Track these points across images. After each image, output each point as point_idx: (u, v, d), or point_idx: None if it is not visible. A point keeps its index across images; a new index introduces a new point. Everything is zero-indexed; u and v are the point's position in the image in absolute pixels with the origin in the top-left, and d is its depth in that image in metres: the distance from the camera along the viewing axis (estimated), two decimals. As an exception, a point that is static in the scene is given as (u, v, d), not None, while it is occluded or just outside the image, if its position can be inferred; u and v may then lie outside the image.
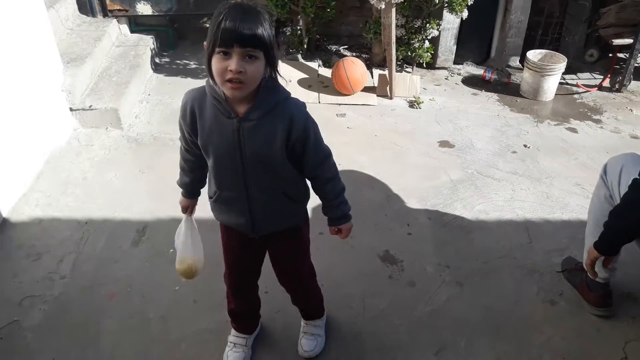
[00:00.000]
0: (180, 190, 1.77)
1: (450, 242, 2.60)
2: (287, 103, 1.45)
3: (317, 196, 1.69)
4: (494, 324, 2.18)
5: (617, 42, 4.01)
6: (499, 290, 2.34)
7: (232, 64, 1.28)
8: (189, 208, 1.80)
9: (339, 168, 2.98)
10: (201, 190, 1.77)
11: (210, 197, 1.66)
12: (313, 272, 1.97)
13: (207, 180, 1.69)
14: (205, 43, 1.34)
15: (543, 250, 2.56)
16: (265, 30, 1.30)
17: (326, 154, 1.58)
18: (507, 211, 2.81)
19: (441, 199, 2.89)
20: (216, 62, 1.31)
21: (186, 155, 1.64)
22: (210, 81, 1.41)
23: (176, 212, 2.63)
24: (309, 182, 1.66)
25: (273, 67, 1.39)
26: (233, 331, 2.03)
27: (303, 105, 1.49)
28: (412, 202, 2.86)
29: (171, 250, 2.43)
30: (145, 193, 2.81)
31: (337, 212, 1.67)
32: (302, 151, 1.50)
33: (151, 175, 2.96)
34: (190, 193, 1.76)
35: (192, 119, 1.47)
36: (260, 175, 1.51)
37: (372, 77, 4.12)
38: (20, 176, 2.75)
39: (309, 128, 1.47)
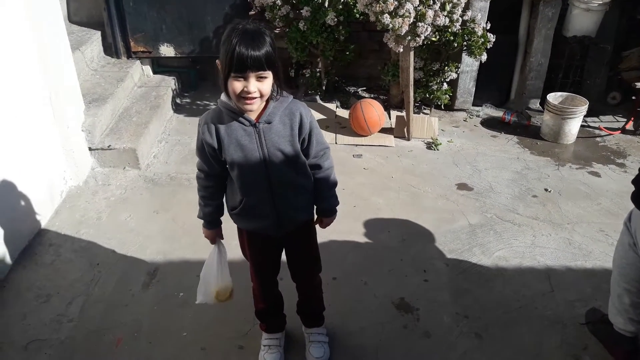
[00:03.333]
0: (202, 222, 1.88)
1: (469, 290, 2.51)
2: (293, 103, 1.68)
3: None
4: (514, 380, 2.07)
5: (640, 85, 3.95)
6: (519, 342, 2.24)
7: (248, 86, 1.50)
8: (216, 238, 1.92)
9: (355, 209, 2.98)
10: (221, 219, 1.91)
11: (233, 209, 1.80)
12: (320, 267, 2.08)
13: (226, 196, 1.84)
14: (218, 62, 1.53)
15: (566, 300, 2.45)
16: (271, 52, 1.51)
17: (326, 146, 1.81)
18: (528, 258, 2.72)
19: (459, 244, 2.81)
20: (233, 84, 1.51)
21: (206, 182, 1.77)
22: (224, 97, 1.61)
23: (188, 253, 2.65)
24: None
25: (279, 79, 1.60)
26: (265, 334, 2.13)
27: (305, 105, 1.73)
28: (429, 247, 2.79)
29: (181, 294, 2.41)
30: (159, 234, 2.80)
31: (328, 203, 1.89)
32: (308, 142, 1.73)
33: (166, 216, 2.95)
34: (213, 223, 1.88)
35: (216, 134, 1.63)
36: (282, 171, 1.69)
37: (390, 119, 4.12)
38: (36, 214, 2.77)
39: (313, 122, 1.72)
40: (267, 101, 1.63)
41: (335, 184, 1.88)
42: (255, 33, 1.49)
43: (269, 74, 1.53)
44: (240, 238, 1.94)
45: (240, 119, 1.62)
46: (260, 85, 1.52)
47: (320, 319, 2.18)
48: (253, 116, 1.63)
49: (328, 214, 1.91)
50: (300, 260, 2.00)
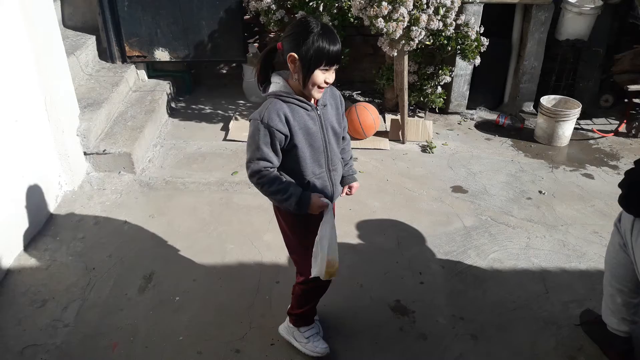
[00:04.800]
0: (298, 198, 1.78)
1: (464, 292, 2.52)
2: (332, 88, 1.87)
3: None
4: (509, 381, 2.08)
5: (633, 88, 3.98)
6: (515, 344, 2.25)
7: (329, 78, 1.71)
8: (327, 203, 1.85)
9: (350, 212, 3.00)
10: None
11: (287, 208, 1.84)
12: None
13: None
14: (296, 54, 1.66)
15: (560, 302, 2.47)
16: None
17: (347, 123, 2.01)
18: (522, 260, 2.73)
19: (454, 246, 2.82)
20: (318, 76, 1.68)
21: (275, 173, 1.77)
22: (280, 87, 1.74)
23: (184, 258, 2.65)
24: None
25: None
26: (305, 329, 2.14)
27: None
28: (425, 249, 2.80)
29: (177, 298, 2.41)
30: (154, 238, 2.80)
31: (351, 169, 2.05)
32: (342, 119, 1.93)
33: (161, 220, 2.95)
34: (308, 193, 1.82)
35: (287, 122, 1.72)
36: (334, 147, 1.87)
37: (385, 122, 4.13)
38: (31, 220, 2.76)
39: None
40: None
41: (352, 153, 2.09)
42: (333, 32, 1.68)
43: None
44: (294, 228, 1.94)
45: (304, 104, 1.76)
46: (333, 75, 1.73)
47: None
48: (312, 101, 1.79)
49: (354, 179, 2.05)
50: None
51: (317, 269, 1.84)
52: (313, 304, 2.14)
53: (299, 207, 1.78)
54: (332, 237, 1.82)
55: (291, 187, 1.78)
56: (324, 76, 1.69)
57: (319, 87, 1.71)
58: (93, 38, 4.17)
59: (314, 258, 1.85)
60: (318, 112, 1.79)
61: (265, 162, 1.73)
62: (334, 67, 1.70)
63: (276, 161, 1.76)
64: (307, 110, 1.76)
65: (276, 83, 1.75)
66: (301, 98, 1.75)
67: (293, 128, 1.73)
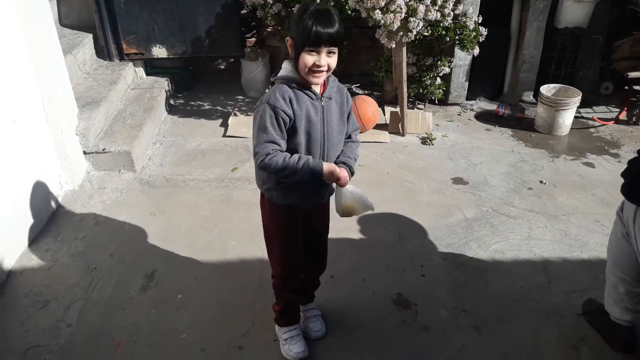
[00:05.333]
0: (312, 169, 1.74)
1: (466, 284, 2.52)
2: (340, 84, 1.87)
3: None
4: (512, 372, 2.08)
5: (633, 75, 3.95)
6: (517, 334, 2.25)
7: (320, 60, 1.66)
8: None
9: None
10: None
11: (280, 183, 1.83)
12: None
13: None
14: (288, 39, 1.70)
15: (562, 292, 2.47)
16: (340, 29, 1.66)
17: (357, 125, 1.98)
18: (524, 250, 2.73)
19: (456, 238, 2.82)
20: (305, 58, 1.66)
21: (282, 154, 1.73)
22: (288, 72, 1.74)
23: (185, 255, 2.65)
24: None
25: (340, 55, 1.74)
26: (284, 328, 2.16)
27: None
28: (426, 242, 2.79)
29: (179, 296, 2.41)
30: (156, 236, 2.80)
31: (346, 158, 1.90)
32: (347, 119, 1.89)
33: (162, 218, 2.95)
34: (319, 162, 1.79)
35: (291, 105, 1.72)
36: (333, 143, 1.83)
37: (384, 115, 4.12)
38: (32, 220, 2.76)
39: (351, 103, 1.92)
40: (327, 78, 1.79)
41: (358, 157, 1.96)
42: (328, 13, 1.66)
43: (336, 50, 1.69)
44: (273, 218, 1.95)
45: (309, 92, 1.75)
46: (329, 59, 1.68)
47: (314, 294, 2.29)
48: (317, 91, 1.77)
49: (349, 167, 1.86)
50: (319, 234, 2.10)
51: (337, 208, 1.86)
52: (290, 302, 2.14)
53: (313, 171, 1.73)
54: (354, 193, 1.82)
55: (301, 157, 1.74)
56: (313, 58, 1.66)
57: (312, 71, 1.68)
58: (90, 36, 4.15)
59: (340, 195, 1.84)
60: (322, 103, 1.78)
61: (272, 144, 1.71)
62: (325, 49, 1.65)
63: (283, 144, 1.74)
64: (312, 99, 1.75)
65: (285, 68, 1.76)
66: (307, 86, 1.74)
67: (296, 112, 1.72)
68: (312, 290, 2.27)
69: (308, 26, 1.61)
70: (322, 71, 1.69)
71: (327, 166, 1.76)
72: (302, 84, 1.74)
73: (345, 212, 1.85)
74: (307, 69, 1.68)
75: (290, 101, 1.72)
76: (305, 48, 1.65)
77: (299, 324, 2.20)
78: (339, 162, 1.86)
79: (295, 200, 1.89)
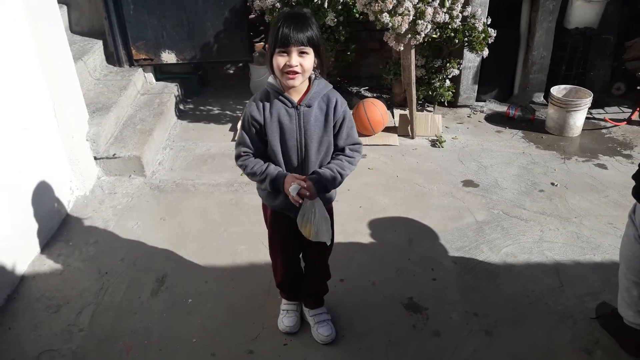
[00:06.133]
0: (273, 177, 1.79)
1: (477, 287, 2.50)
2: (332, 92, 1.83)
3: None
4: (525, 377, 2.06)
5: (645, 74, 3.92)
6: (529, 339, 2.23)
7: (291, 60, 1.66)
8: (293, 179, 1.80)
9: (360, 210, 2.97)
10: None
11: (265, 189, 1.86)
12: (330, 249, 2.16)
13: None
14: (266, 46, 1.62)
15: (575, 295, 2.44)
16: (312, 31, 1.67)
17: (357, 141, 1.90)
18: (536, 253, 2.70)
19: (466, 242, 2.80)
20: (277, 59, 1.68)
21: (252, 158, 1.83)
22: (272, 79, 1.77)
23: (196, 259, 2.66)
24: None
25: (322, 60, 1.75)
26: (284, 301, 2.28)
27: (342, 97, 1.87)
28: (436, 245, 2.78)
29: (190, 300, 2.42)
30: (166, 241, 2.81)
31: (322, 172, 1.82)
32: (338, 130, 1.84)
33: (172, 223, 2.96)
34: (281, 174, 1.82)
35: (262, 111, 1.77)
36: (313, 153, 1.82)
37: (393, 117, 4.11)
38: (44, 225, 2.78)
39: (347, 113, 1.84)
40: (309, 86, 1.79)
41: (343, 176, 1.85)
42: (299, 14, 1.70)
43: (309, 50, 1.68)
44: (265, 214, 2.07)
45: (283, 98, 1.76)
46: (302, 60, 1.68)
47: (321, 298, 2.30)
48: (296, 98, 1.78)
49: (319, 183, 1.79)
50: (314, 248, 2.05)
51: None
52: (281, 282, 2.23)
53: (273, 185, 1.80)
54: (318, 217, 1.82)
55: (269, 167, 1.81)
56: (284, 59, 1.67)
57: (286, 73, 1.69)
58: (100, 43, 4.19)
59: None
60: (298, 110, 1.77)
61: (244, 147, 1.82)
62: (295, 49, 1.65)
63: (254, 149, 1.82)
64: (286, 106, 1.77)
65: (272, 76, 1.79)
66: (282, 92, 1.76)
67: (266, 119, 1.76)
68: (315, 294, 2.27)
69: (277, 28, 1.66)
70: (295, 72, 1.68)
71: (288, 180, 1.76)
72: (279, 90, 1.76)
73: (304, 232, 1.86)
74: (280, 71, 1.69)
75: (263, 107, 1.77)
76: (276, 50, 1.67)
77: (300, 302, 2.29)
78: (314, 172, 1.84)
79: (278, 205, 1.93)
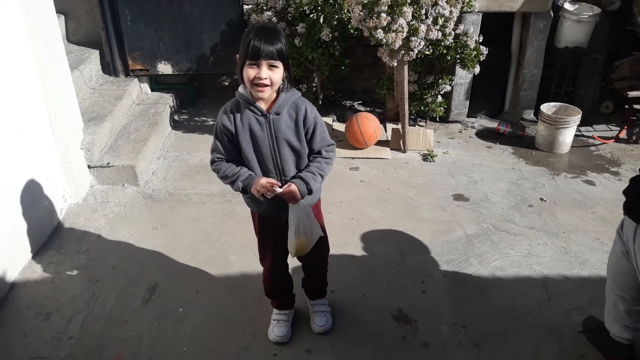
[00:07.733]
0: (245, 178, 1.87)
1: (466, 300, 2.53)
2: (300, 99, 1.89)
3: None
4: (512, 389, 2.08)
5: (633, 94, 3.99)
6: (517, 352, 2.25)
7: (260, 73, 1.72)
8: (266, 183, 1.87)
9: (352, 222, 3.00)
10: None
11: (247, 194, 1.91)
12: (328, 247, 2.25)
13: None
14: (237, 56, 1.77)
15: (563, 309, 2.47)
16: (282, 45, 1.74)
17: (331, 142, 1.98)
18: (525, 267, 2.74)
19: (456, 255, 2.83)
20: (247, 71, 1.74)
21: (224, 163, 1.92)
22: (242, 89, 1.83)
23: (187, 269, 2.67)
24: None
25: (289, 73, 1.82)
26: (275, 310, 2.30)
27: (311, 103, 1.93)
28: (427, 258, 2.81)
29: (180, 309, 2.42)
30: (158, 250, 2.82)
31: (304, 176, 1.90)
32: (312, 135, 1.91)
33: (165, 232, 2.97)
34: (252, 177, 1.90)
35: (233, 120, 1.84)
36: (288, 159, 1.89)
37: (386, 131, 4.16)
38: (36, 233, 2.79)
39: (318, 118, 1.91)
40: (278, 94, 1.84)
41: (323, 176, 1.94)
42: (270, 29, 1.75)
43: (279, 64, 1.74)
44: (253, 221, 2.13)
45: (253, 108, 1.83)
46: (271, 73, 1.74)
47: (322, 290, 2.37)
48: (264, 107, 1.84)
49: (302, 186, 1.88)
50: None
51: (289, 247, 2.01)
52: (271, 291, 2.29)
53: (245, 186, 1.86)
54: (299, 222, 1.93)
55: (240, 170, 1.88)
56: (254, 71, 1.73)
57: (255, 85, 1.75)
58: (96, 52, 4.22)
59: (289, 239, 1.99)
60: (268, 118, 1.84)
61: (217, 153, 1.91)
62: (265, 63, 1.71)
63: (226, 155, 1.90)
64: (256, 115, 1.84)
65: (242, 86, 1.84)
66: (252, 102, 1.82)
67: (238, 127, 1.84)
68: (315, 288, 2.36)
69: (247, 41, 1.71)
70: (264, 84, 1.75)
71: (258, 182, 1.84)
72: (249, 100, 1.83)
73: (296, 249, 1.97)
74: (250, 82, 1.75)
75: (234, 117, 1.84)
76: (246, 62, 1.73)
77: (290, 311, 2.32)
78: (295, 176, 1.92)
79: (260, 209, 2.00)
